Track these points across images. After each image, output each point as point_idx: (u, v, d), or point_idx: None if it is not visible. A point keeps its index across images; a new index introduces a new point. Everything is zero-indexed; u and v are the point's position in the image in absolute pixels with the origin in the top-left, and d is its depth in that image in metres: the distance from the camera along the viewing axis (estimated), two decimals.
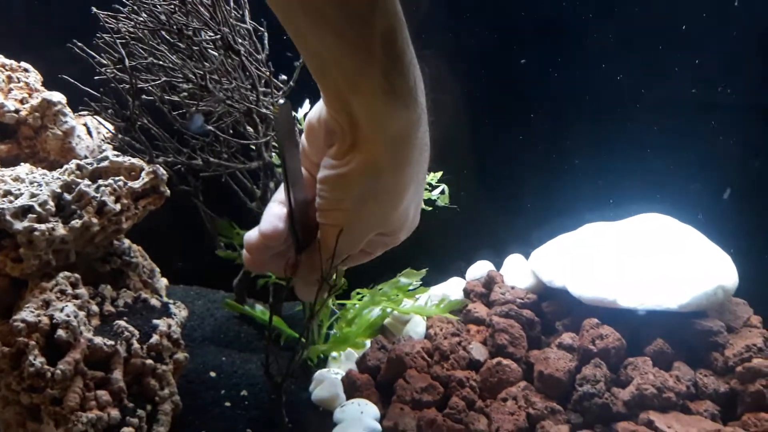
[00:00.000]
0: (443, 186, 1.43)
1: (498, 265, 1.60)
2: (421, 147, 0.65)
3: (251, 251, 0.66)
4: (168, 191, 1.30)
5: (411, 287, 1.46)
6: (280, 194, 0.69)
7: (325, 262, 0.66)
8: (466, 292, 1.55)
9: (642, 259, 1.35)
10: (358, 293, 1.49)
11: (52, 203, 1.12)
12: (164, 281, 1.39)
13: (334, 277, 0.70)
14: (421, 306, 1.47)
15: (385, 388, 1.34)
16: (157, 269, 1.38)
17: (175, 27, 1.13)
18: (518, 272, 1.52)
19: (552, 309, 1.43)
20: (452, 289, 1.58)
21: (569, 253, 1.43)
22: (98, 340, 1.07)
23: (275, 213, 0.66)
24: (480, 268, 1.59)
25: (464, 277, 1.62)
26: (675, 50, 1.59)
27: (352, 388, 1.34)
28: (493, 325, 1.36)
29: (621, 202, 1.60)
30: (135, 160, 1.27)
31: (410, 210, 0.69)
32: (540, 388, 1.26)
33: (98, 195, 1.17)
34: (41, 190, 1.13)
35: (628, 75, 1.63)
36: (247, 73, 1.21)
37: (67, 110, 1.30)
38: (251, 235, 0.66)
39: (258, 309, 1.49)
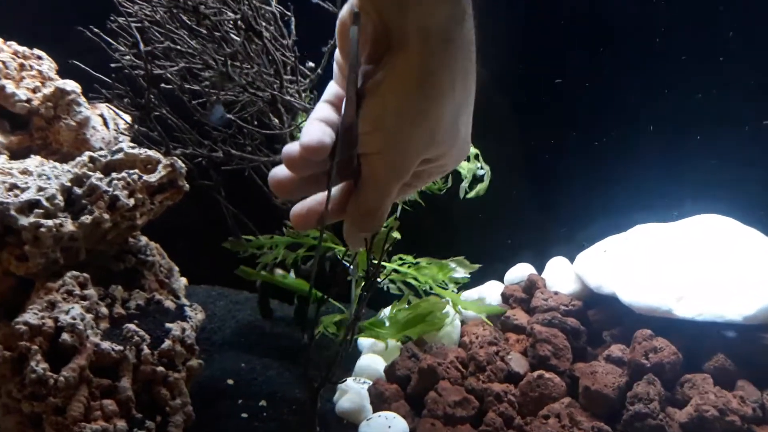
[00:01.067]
0: (486, 169, 1.32)
1: (539, 269, 1.48)
2: (466, 48, 0.56)
3: (287, 164, 0.55)
4: (187, 186, 1.23)
5: (457, 277, 1.33)
6: (320, 112, 0.58)
7: (374, 199, 0.57)
8: (505, 297, 1.44)
9: (701, 265, 1.23)
10: (400, 258, 1.36)
11: (60, 197, 1.05)
12: (183, 281, 1.32)
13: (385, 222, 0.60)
14: (459, 296, 1.34)
15: (415, 401, 1.24)
16: (176, 268, 1.30)
17: (190, 4, 1.05)
18: (562, 276, 1.40)
19: (599, 317, 1.31)
20: (489, 292, 1.47)
21: (619, 257, 1.31)
22: (106, 345, 0.99)
23: (320, 127, 0.56)
24: (520, 271, 1.48)
25: (502, 281, 1.51)
26: (736, 44, 1.45)
27: (379, 399, 1.25)
28: (535, 335, 1.24)
29: (674, 203, 1.47)
30: (152, 153, 1.20)
31: (460, 128, 0.58)
32: (586, 406, 1.14)
33: (111, 189, 1.10)
34: (49, 184, 1.06)
35: (677, 71, 1.50)
36: (271, 58, 1.12)
37: (82, 100, 1.23)
38: (290, 147, 0.55)
39: (278, 273, 1.35)
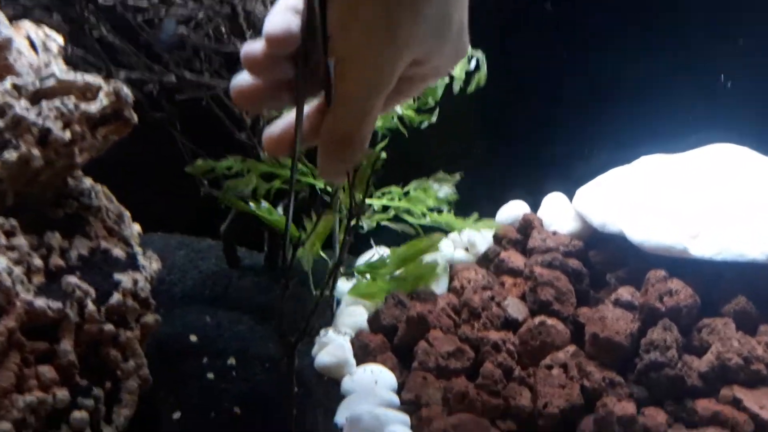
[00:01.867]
0: (480, 56, 1.14)
1: (534, 207, 1.35)
2: None
3: (248, 65, 0.46)
4: (135, 117, 1.06)
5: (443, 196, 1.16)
6: (285, 1, 0.48)
7: (349, 118, 0.47)
8: (497, 239, 1.31)
9: (717, 199, 1.11)
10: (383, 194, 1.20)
11: None
12: (137, 228, 1.16)
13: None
14: (449, 216, 1.17)
15: (403, 352, 1.13)
16: (127, 213, 1.14)
17: None
18: (560, 215, 1.28)
19: (602, 258, 1.20)
20: (479, 233, 1.34)
21: (625, 192, 1.19)
22: (41, 302, 0.84)
23: (284, 16, 0.46)
24: (513, 210, 1.35)
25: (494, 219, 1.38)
26: None
27: (363, 352, 1.12)
28: (535, 277, 1.12)
29: (682, 132, 1.34)
30: (91, 78, 1.02)
31: (452, 18, 0.48)
32: (593, 354, 1.03)
33: (40, 120, 0.93)
34: None
35: None
36: None
37: (2, 17, 1.03)
38: (251, 44, 0.46)
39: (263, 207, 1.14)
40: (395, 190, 1.15)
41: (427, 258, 1.20)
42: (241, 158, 1.12)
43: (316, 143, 0.49)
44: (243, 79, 0.47)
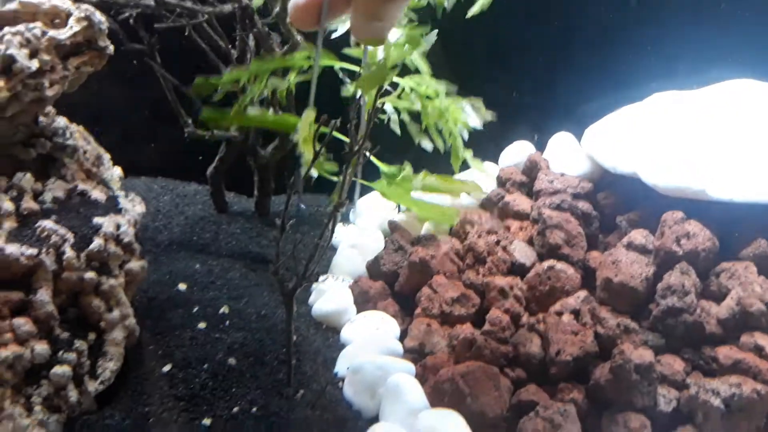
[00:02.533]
0: None
1: (540, 147, 1.28)
2: None
3: None
4: (111, 47, 0.97)
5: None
6: None
7: None
8: (501, 181, 1.25)
9: (735, 138, 1.05)
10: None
11: None
12: (118, 171, 1.07)
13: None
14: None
15: (404, 299, 1.08)
16: (107, 155, 1.05)
17: None
18: (568, 156, 1.22)
19: (611, 201, 1.14)
20: (482, 175, 1.27)
21: (637, 131, 1.12)
22: (12, 248, 0.77)
23: None
24: (518, 151, 1.28)
25: (497, 162, 1.31)
26: None
27: (363, 299, 1.07)
28: (545, 220, 1.06)
29: (696, 67, 1.26)
30: (59, 1, 0.92)
31: None
32: (606, 300, 0.98)
33: (2, 47, 0.83)
34: None
35: None
36: None
37: None
38: None
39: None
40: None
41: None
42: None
43: (342, 15, 0.50)
44: None
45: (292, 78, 0.88)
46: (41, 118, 0.97)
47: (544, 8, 1.34)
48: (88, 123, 1.06)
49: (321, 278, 1.09)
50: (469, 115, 0.93)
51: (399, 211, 1.23)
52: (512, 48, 1.36)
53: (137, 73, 1.15)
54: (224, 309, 0.96)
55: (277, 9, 1.00)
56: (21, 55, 0.84)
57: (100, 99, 1.17)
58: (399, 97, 0.93)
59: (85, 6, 0.92)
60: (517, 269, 1.06)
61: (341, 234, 1.21)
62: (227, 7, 1.01)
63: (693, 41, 1.29)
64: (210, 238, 1.14)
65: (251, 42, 1.09)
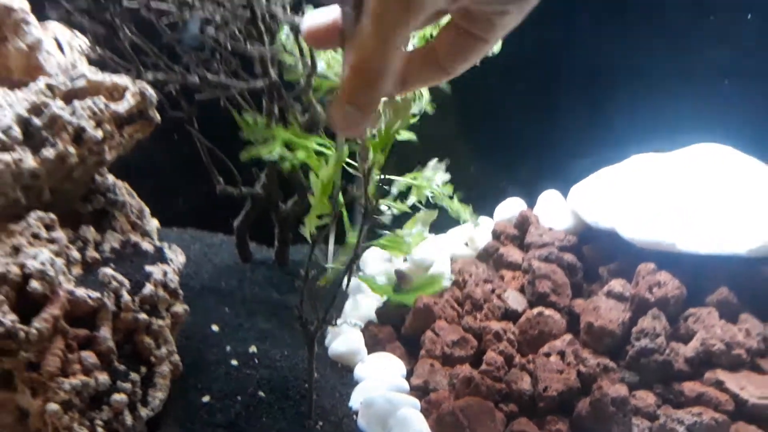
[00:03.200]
0: None
1: (530, 204, 1.43)
2: None
3: None
4: (158, 117, 1.11)
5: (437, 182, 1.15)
6: None
7: (370, 35, 0.41)
8: (496, 234, 1.39)
9: (703, 196, 1.19)
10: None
11: (17, 129, 0.93)
12: (155, 223, 1.21)
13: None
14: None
15: (410, 342, 1.20)
16: (147, 209, 1.19)
17: None
18: (555, 211, 1.35)
19: (594, 253, 1.28)
20: (479, 229, 1.41)
21: (616, 190, 1.27)
22: (81, 292, 0.90)
23: None
24: (510, 207, 1.42)
25: (492, 217, 1.45)
26: None
27: (373, 341, 1.19)
28: (533, 271, 1.20)
29: (670, 132, 1.42)
30: (118, 79, 1.07)
31: None
32: (588, 342, 1.11)
33: (75, 119, 0.98)
34: (4, 114, 0.93)
35: None
36: None
37: (32, 19, 1.08)
38: None
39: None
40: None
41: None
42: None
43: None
44: (312, 19, 0.48)
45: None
46: (97, 177, 1.11)
47: (537, 79, 1.50)
48: (129, 177, 1.20)
49: (343, 321, 1.22)
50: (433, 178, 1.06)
51: (405, 260, 1.37)
52: (505, 113, 1.52)
53: (175, 134, 1.30)
54: (253, 348, 1.09)
55: (301, 84, 1.16)
56: (89, 126, 0.98)
57: (139, 156, 1.32)
58: None
59: (140, 83, 1.07)
60: (511, 315, 1.20)
61: (353, 282, 1.34)
62: (259, 83, 1.16)
63: (669, 109, 1.45)
64: (236, 285, 1.27)
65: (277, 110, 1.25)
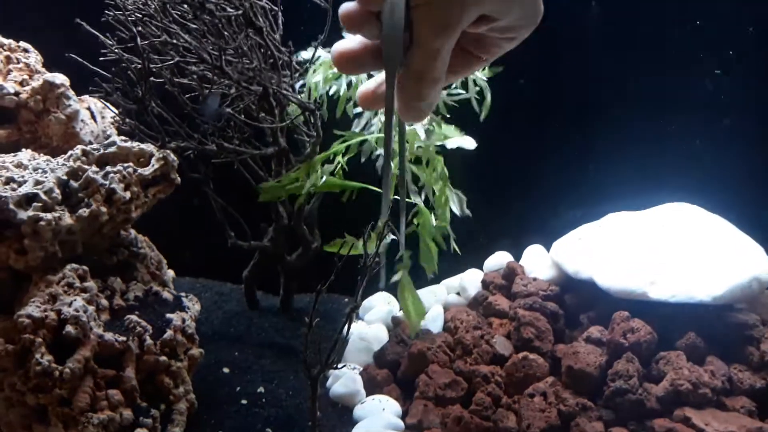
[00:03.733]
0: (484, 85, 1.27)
1: (516, 256, 1.54)
2: None
3: (344, 21, 0.53)
4: (179, 179, 1.24)
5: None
6: None
7: (420, 58, 0.52)
8: (485, 284, 1.50)
9: (671, 250, 1.31)
10: None
11: (58, 191, 1.06)
12: (171, 273, 1.33)
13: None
14: None
15: (405, 384, 1.29)
16: (165, 260, 1.31)
17: (196, 1, 1.06)
18: (539, 263, 1.47)
19: (575, 301, 1.38)
20: (470, 280, 1.52)
21: (594, 244, 1.38)
22: (109, 336, 1.01)
23: None
24: (498, 259, 1.54)
25: (482, 269, 1.56)
26: (695, 40, 1.54)
27: (371, 384, 1.29)
28: (519, 318, 1.30)
29: (642, 192, 1.55)
30: (144, 146, 1.20)
31: None
32: (569, 384, 1.21)
33: (107, 182, 1.10)
34: (46, 177, 1.06)
35: (646, 66, 1.58)
36: (268, 53, 1.14)
37: (71, 93, 1.22)
38: (346, 5, 0.53)
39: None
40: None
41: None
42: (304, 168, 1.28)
43: (371, 70, 0.55)
44: (343, 44, 0.54)
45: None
46: (122, 231, 1.23)
47: (523, 145, 1.64)
48: (147, 230, 1.31)
49: (344, 365, 1.32)
50: (454, 203, 1.19)
51: (401, 308, 1.47)
52: (495, 176, 1.65)
53: (192, 193, 1.43)
54: (261, 389, 1.19)
55: (307, 151, 1.29)
56: (119, 188, 1.11)
57: (157, 210, 1.44)
58: None
59: (163, 150, 1.21)
60: (498, 359, 1.29)
61: (353, 327, 1.44)
62: (270, 150, 1.29)
63: (643, 170, 1.58)
64: (244, 330, 1.38)
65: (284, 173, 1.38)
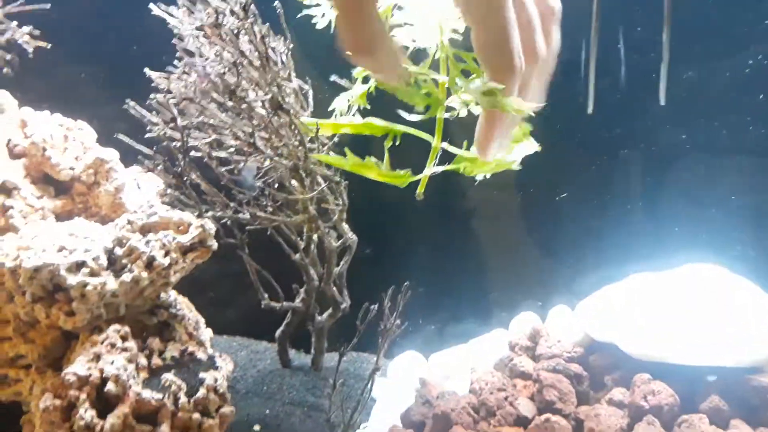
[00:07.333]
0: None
1: (542, 316, 1.57)
2: None
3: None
4: (215, 245, 1.33)
5: None
6: None
7: (491, 66, 0.54)
8: (511, 345, 1.52)
9: (694, 313, 1.32)
10: None
11: (104, 257, 1.15)
12: (209, 332, 1.40)
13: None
14: None
15: None
16: (203, 320, 1.39)
17: (228, 87, 1.17)
18: (564, 325, 1.49)
19: (600, 363, 1.39)
20: (495, 340, 1.55)
21: (617, 307, 1.40)
22: (147, 393, 1.08)
23: None
24: (524, 320, 1.56)
25: (507, 328, 1.59)
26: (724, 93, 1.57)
27: None
28: (541, 381, 1.32)
29: (666, 251, 1.57)
30: (184, 215, 1.30)
31: None
32: None
33: (148, 249, 1.20)
34: (94, 245, 1.16)
35: (675, 120, 1.61)
36: (296, 131, 1.24)
37: (119, 166, 1.34)
38: None
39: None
40: None
41: None
42: None
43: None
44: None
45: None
46: (161, 294, 1.32)
47: (548, 204, 1.69)
48: (187, 291, 1.40)
49: (363, 425, 1.36)
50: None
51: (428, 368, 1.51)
52: (518, 239, 1.70)
53: (222, 255, 1.52)
54: None
55: (335, 217, 1.37)
56: (159, 255, 1.20)
57: (198, 275, 1.53)
58: None
59: (202, 219, 1.30)
60: (521, 421, 1.31)
61: (379, 387, 1.49)
62: (298, 218, 1.38)
63: (664, 231, 1.61)
64: (276, 389, 1.43)
65: (315, 237, 1.46)
